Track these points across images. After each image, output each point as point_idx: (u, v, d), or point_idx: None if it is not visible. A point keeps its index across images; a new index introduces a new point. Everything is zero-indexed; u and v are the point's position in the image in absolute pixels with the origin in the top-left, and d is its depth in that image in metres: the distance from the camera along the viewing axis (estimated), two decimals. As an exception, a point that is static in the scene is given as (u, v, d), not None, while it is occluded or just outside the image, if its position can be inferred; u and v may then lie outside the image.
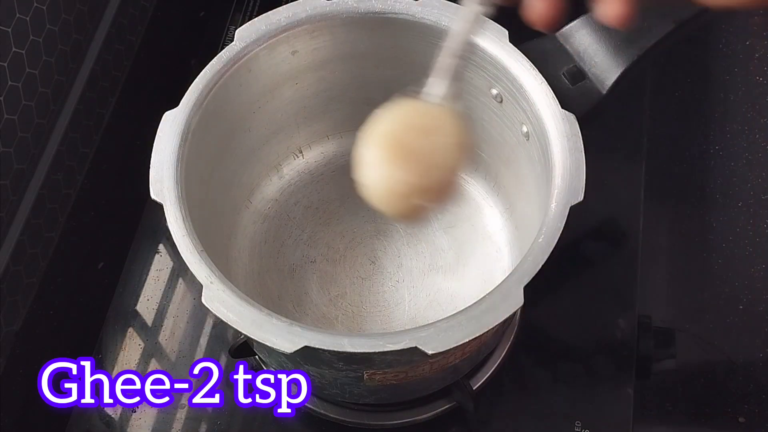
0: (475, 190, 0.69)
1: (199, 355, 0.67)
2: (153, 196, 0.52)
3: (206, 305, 0.48)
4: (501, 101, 0.58)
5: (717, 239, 0.73)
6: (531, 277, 0.49)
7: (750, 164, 0.89)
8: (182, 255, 0.50)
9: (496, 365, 0.65)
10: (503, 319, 0.48)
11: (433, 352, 0.46)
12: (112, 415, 0.65)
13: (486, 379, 0.64)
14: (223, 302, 0.48)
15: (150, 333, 0.68)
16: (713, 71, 0.92)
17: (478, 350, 0.58)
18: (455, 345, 0.47)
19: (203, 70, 0.56)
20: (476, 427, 0.64)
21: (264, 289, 0.65)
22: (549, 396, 0.64)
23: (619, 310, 0.67)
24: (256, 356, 0.64)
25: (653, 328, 0.66)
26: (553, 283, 0.68)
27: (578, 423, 0.62)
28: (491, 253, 0.66)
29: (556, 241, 0.50)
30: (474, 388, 0.63)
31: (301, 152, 0.70)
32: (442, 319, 0.48)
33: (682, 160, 0.90)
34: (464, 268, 0.66)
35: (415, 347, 0.46)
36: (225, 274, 0.50)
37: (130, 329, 0.68)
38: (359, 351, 0.47)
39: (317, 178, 0.70)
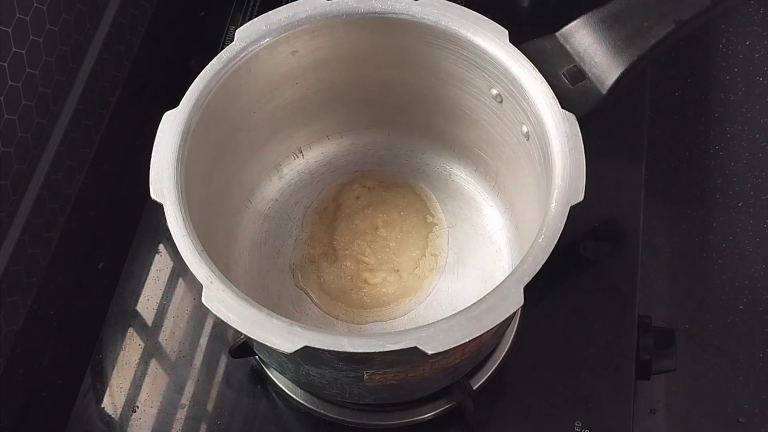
0: (475, 190, 0.69)
1: (199, 355, 0.67)
2: (153, 196, 0.52)
3: (206, 305, 0.48)
4: (501, 101, 0.58)
5: (717, 239, 0.73)
6: (531, 277, 0.49)
7: (750, 164, 0.89)
8: (182, 255, 0.50)
9: (496, 365, 0.65)
10: (503, 319, 0.48)
11: (433, 352, 0.46)
12: (112, 415, 0.65)
13: (486, 379, 0.64)
14: (223, 302, 0.48)
15: (150, 333, 0.68)
16: (713, 71, 0.92)
17: (478, 350, 0.58)
18: (455, 345, 0.47)
19: (203, 70, 0.56)
20: (476, 427, 0.64)
21: (264, 289, 0.65)
22: (549, 396, 0.64)
23: (619, 310, 0.67)
24: (256, 356, 0.64)
25: (653, 328, 0.66)
26: (553, 283, 0.68)
27: (578, 423, 0.62)
28: (491, 253, 0.66)
29: (556, 241, 0.50)
30: (474, 388, 0.63)
31: (301, 152, 0.70)
32: (442, 319, 0.48)
33: (682, 160, 0.90)
34: (464, 268, 0.66)
35: (415, 347, 0.46)
36: (225, 274, 0.50)
37: (130, 329, 0.68)
38: (359, 351, 0.47)
39: (317, 178, 0.70)
